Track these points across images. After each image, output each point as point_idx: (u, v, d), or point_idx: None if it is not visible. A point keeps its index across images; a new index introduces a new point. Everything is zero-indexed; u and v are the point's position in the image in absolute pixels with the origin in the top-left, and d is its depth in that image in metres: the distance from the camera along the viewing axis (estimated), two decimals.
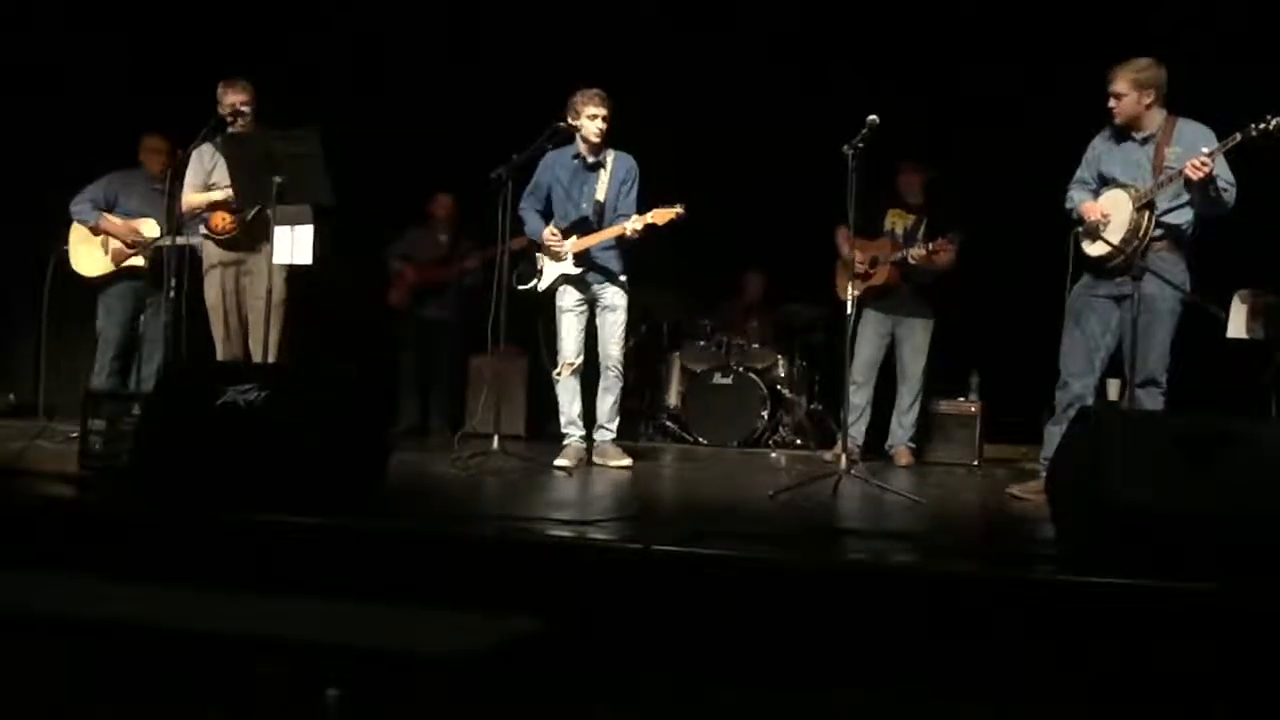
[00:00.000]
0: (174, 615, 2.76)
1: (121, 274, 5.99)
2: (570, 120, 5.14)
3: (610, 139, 5.22)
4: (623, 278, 5.28)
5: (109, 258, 5.97)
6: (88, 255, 5.99)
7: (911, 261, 5.76)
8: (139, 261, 5.95)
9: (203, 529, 3.22)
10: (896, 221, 6.06)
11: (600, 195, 5.20)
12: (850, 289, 4.81)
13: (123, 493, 3.65)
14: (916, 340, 6.02)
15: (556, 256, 5.23)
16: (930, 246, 5.69)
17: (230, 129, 5.19)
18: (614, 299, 5.26)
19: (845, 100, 4.97)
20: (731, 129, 6.78)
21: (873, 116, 4.39)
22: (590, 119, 5.10)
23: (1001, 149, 6.13)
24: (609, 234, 5.15)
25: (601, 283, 5.26)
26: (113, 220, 5.95)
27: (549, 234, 5.21)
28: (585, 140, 5.16)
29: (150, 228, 5.96)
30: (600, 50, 6.88)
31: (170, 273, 5.14)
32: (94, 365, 6.13)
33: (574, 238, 5.20)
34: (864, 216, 5.87)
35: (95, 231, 5.96)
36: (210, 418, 3.52)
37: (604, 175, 5.21)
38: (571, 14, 7.05)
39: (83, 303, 6.18)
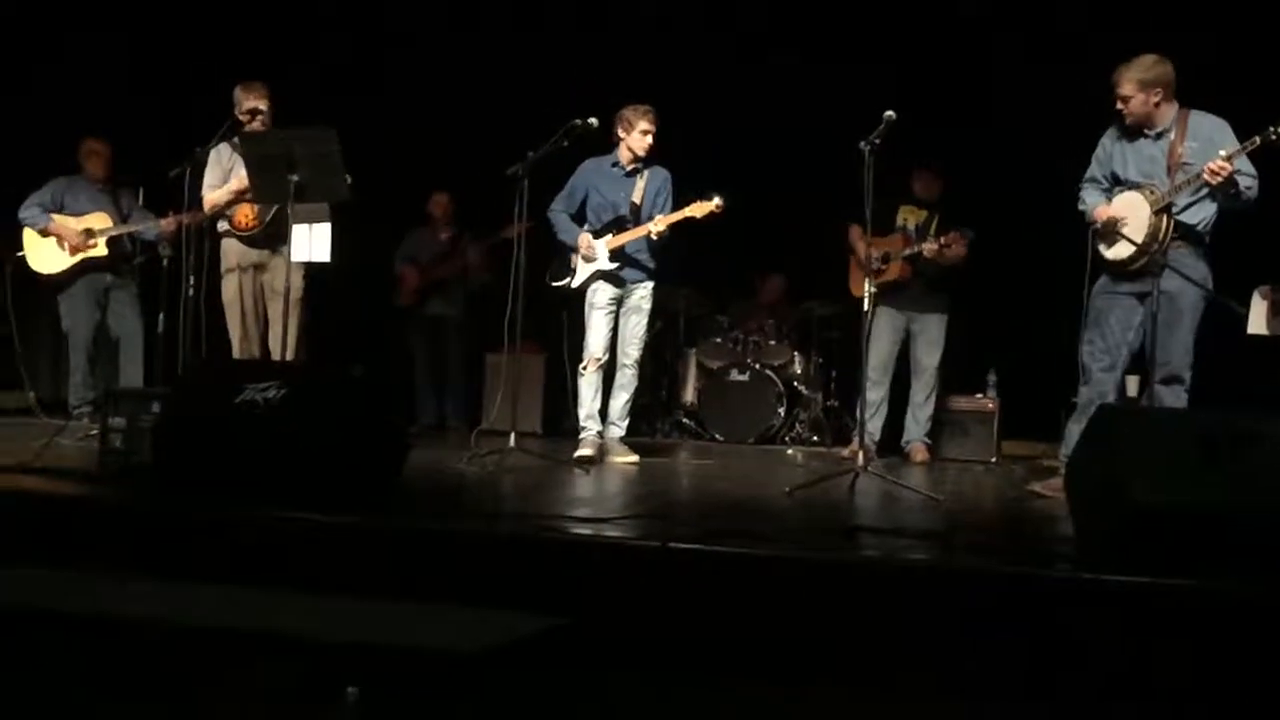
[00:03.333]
0: (193, 612, 2.77)
1: (83, 268, 6.13)
2: (620, 133, 5.35)
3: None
4: (651, 282, 5.44)
5: (66, 252, 6.11)
6: (45, 254, 6.13)
7: (925, 256, 5.76)
8: (99, 251, 6.10)
9: (222, 527, 3.24)
10: (909, 217, 6.06)
11: (637, 199, 5.39)
12: (866, 286, 4.79)
13: (142, 490, 3.68)
14: (931, 335, 6.02)
15: (590, 260, 5.35)
16: (942, 240, 5.70)
17: (247, 128, 5.21)
18: (640, 302, 5.42)
19: (865, 97, 4.96)
20: (747, 127, 6.78)
21: (889, 112, 4.39)
22: (642, 134, 5.32)
23: (1018, 145, 6.11)
24: (640, 232, 5.30)
25: (633, 282, 5.40)
26: (61, 222, 6.10)
27: (586, 240, 5.37)
28: (631, 151, 5.37)
29: (102, 220, 6.13)
30: (609, 50, 6.91)
31: (189, 270, 5.18)
32: (69, 365, 6.25)
33: (608, 236, 5.33)
34: (877, 213, 5.87)
35: (44, 234, 6.10)
36: (229, 416, 3.54)
37: (640, 182, 5.40)
38: (578, 11, 7.06)
39: (47, 304, 6.36)
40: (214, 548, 3.21)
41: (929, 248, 5.74)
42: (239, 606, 2.83)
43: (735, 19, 7.05)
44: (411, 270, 7.20)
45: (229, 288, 5.43)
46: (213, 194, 5.40)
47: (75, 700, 2.35)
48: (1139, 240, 4.35)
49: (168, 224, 5.74)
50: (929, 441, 6.12)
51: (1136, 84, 4.40)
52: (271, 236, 5.31)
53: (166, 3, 7.27)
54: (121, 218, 6.19)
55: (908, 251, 5.90)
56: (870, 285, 4.79)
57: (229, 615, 2.75)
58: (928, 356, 6.03)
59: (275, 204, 5.11)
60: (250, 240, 5.39)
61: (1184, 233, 4.37)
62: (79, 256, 6.11)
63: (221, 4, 7.25)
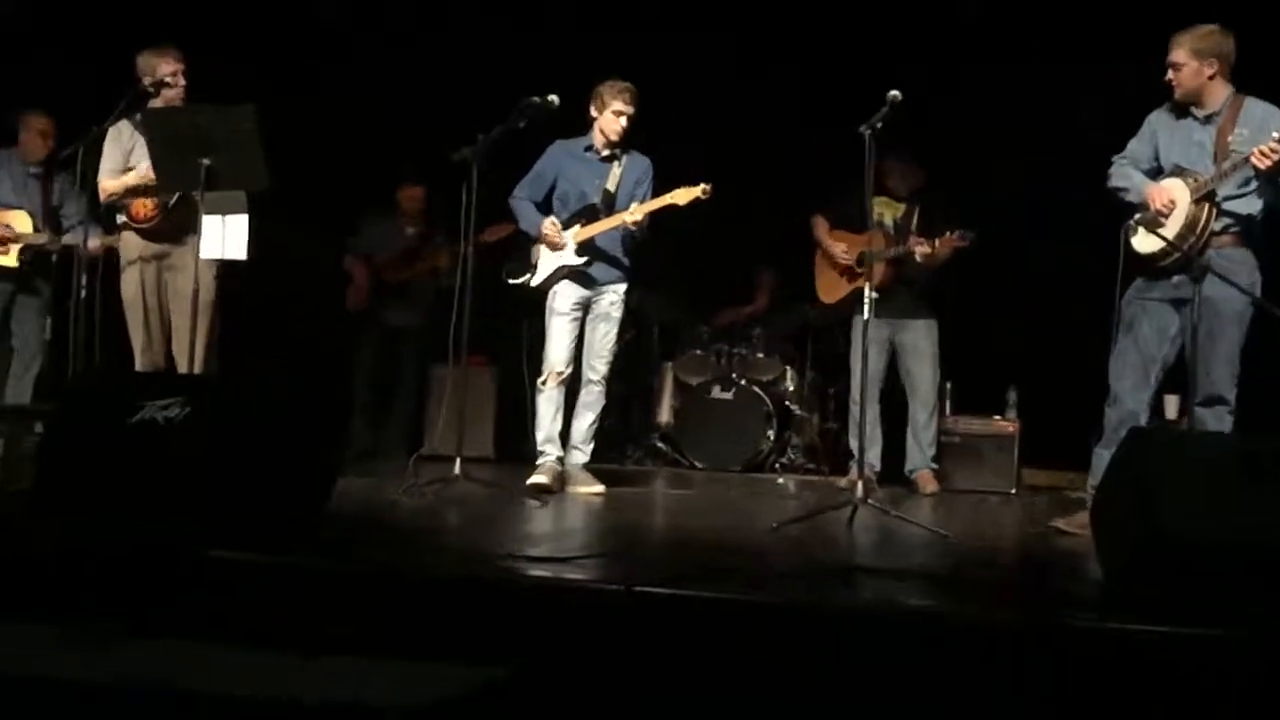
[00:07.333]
0: (87, 664, 2.74)
1: None
2: (593, 112, 5.37)
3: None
4: (624, 285, 5.44)
5: None
6: None
7: (918, 258, 5.75)
8: (8, 261, 5.92)
9: (118, 565, 3.21)
10: (885, 212, 6.05)
11: (610, 187, 5.38)
12: (867, 291, 4.80)
13: (24, 522, 3.64)
14: (921, 346, 6.04)
15: (555, 247, 5.33)
16: (938, 242, 5.69)
17: (152, 103, 5.18)
18: (610, 308, 5.41)
19: (858, 79, 5.00)
20: (734, 115, 6.80)
21: (894, 92, 4.43)
22: (616, 115, 5.32)
23: (1040, 139, 6.16)
24: (613, 222, 5.29)
25: (604, 283, 5.39)
26: None
27: (550, 224, 5.32)
28: (603, 134, 5.37)
29: (22, 221, 5.93)
30: (588, 29, 6.93)
31: (81, 269, 5.12)
32: None
33: (575, 227, 5.33)
34: (850, 205, 5.90)
35: None
36: (125, 436, 3.51)
37: (616, 169, 5.41)
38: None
39: None
40: (105, 589, 3.18)
41: (922, 249, 5.73)
42: (133, 656, 2.80)
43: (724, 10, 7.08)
44: (362, 268, 7.16)
45: (129, 285, 5.36)
46: (109, 181, 5.34)
47: None
48: (1174, 232, 4.38)
49: (95, 249, 5.44)
50: (935, 467, 6.14)
51: (1190, 52, 4.44)
52: (176, 227, 5.25)
53: None
54: (50, 211, 6.03)
55: (892, 252, 5.90)
56: (870, 290, 4.80)
57: (120, 666, 2.72)
58: (921, 372, 6.04)
59: (182, 191, 5.07)
60: (151, 233, 5.32)
61: (1228, 227, 4.40)
62: None
63: None
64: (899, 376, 6.11)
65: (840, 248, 6.07)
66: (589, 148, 5.44)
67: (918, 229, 5.88)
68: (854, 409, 5.96)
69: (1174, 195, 4.44)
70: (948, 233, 5.67)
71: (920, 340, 6.03)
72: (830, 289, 6.18)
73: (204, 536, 3.23)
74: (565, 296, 5.38)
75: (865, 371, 5.05)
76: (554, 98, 5.01)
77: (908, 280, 5.94)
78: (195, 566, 3.16)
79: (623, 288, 5.45)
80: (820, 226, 6.17)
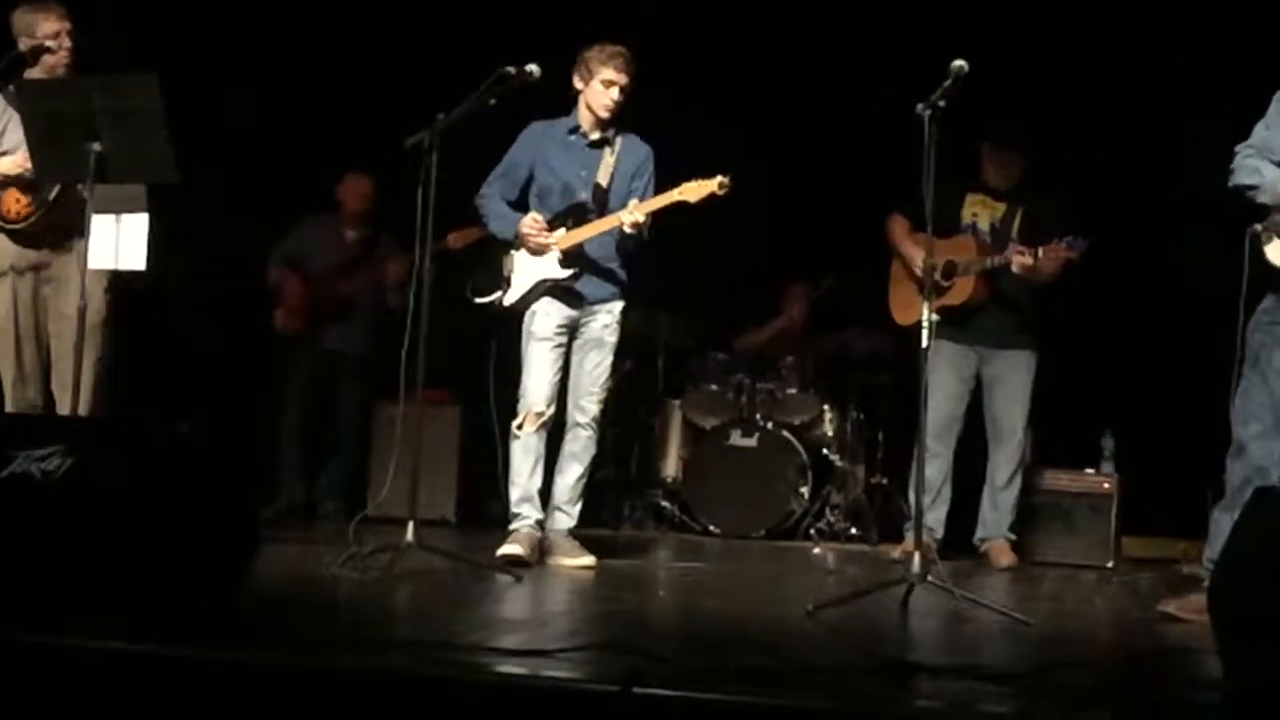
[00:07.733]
0: None
1: None
2: (578, 83, 5.39)
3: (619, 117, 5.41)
4: (621, 303, 5.46)
5: None
6: None
7: (1016, 270, 5.74)
8: None
9: None
10: (980, 211, 6.07)
11: (602, 179, 5.39)
12: (925, 310, 4.79)
13: None
14: (1015, 384, 6.05)
15: (539, 251, 5.32)
16: (1041, 252, 5.68)
17: (29, 71, 5.19)
18: (603, 332, 5.44)
19: (914, 52, 5.02)
20: (757, 92, 6.83)
21: (959, 62, 4.44)
22: (605, 85, 5.32)
23: (1143, 126, 6.19)
24: (607, 224, 5.29)
25: (594, 302, 5.42)
26: None
27: (531, 221, 5.32)
28: (591, 111, 5.38)
29: None
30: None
31: None
32: None
33: (560, 231, 5.34)
34: (939, 202, 5.85)
35: None
36: None
37: (608, 156, 5.43)
38: None
39: None
40: None
41: (1022, 260, 5.71)
42: None
43: None
44: (295, 280, 7.16)
45: None
46: None
47: None
48: None
49: None
50: (1014, 537, 6.12)
51: None
52: (58, 230, 5.29)
53: None
54: None
55: (986, 264, 5.90)
56: (929, 311, 4.79)
57: None
58: (1011, 415, 6.05)
59: (65, 183, 5.08)
60: (24, 236, 5.35)
61: None
62: None
63: None
64: (974, 419, 6.10)
65: (921, 256, 6.02)
66: (574, 130, 5.46)
67: (1019, 234, 5.87)
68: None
69: None
70: (1054, 240, 5.64)
71: (1017, 376, 6.05)
72: (907, 307, 6.17)
73: (88, 620, 3.21)
74: (547, 318, 5.39)
75: (924, 411, 5.03)
76: (534, 68, 5.02)
77: (1004, 299, 5.92)
78: (74, 659, 3.14)
79: (619, 306, 5.46)
80: (899, 229, 6.16)
